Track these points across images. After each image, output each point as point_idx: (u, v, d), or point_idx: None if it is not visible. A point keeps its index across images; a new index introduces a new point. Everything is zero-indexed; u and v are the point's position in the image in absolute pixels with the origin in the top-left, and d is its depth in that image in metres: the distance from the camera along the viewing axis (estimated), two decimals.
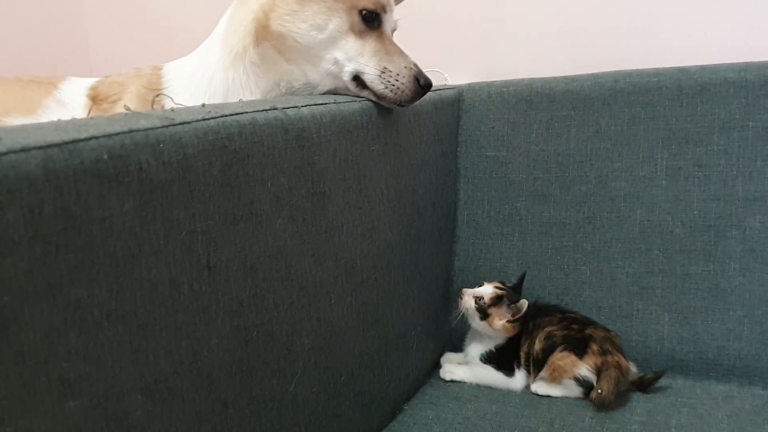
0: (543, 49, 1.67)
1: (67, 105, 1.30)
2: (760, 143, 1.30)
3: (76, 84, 1.34)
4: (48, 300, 0.57)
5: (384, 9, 1.09)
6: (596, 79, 1.43)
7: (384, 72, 1.06)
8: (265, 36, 1.08)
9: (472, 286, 1.35)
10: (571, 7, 1.63)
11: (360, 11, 1.07)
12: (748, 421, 1.14)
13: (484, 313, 1.29)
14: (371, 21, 1.08)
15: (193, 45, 1.25)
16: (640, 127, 1.38)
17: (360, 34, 1.08)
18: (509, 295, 1.31)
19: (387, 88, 1.07)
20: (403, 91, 1.07)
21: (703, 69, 1.36)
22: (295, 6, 1.07)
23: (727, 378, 1.30)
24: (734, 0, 1.49)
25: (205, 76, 1.13)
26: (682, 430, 1.11)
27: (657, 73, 1.39)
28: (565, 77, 1.47)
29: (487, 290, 1.31)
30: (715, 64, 1.36)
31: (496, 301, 1.29)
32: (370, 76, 1.07)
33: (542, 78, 1.50)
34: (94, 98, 1.30)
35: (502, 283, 1.35)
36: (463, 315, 1.32)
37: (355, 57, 1.07)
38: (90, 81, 1.33)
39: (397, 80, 1.06)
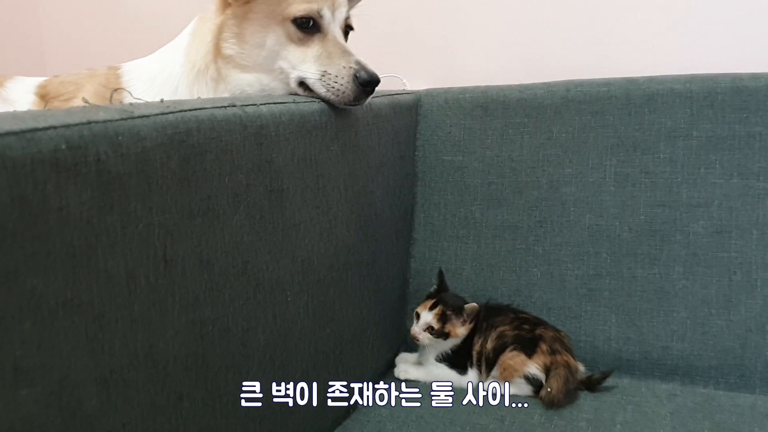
0: (498, 58, 1.72)
1: (14, 102, 1.29)
2: (703, 152, 1.36)
3: (23, 83, 1.34)
4: (3, 288, 0.58)
5: (319, 14, 1.10)
6: (549, 88, 1.48)
7: (324, 75, 1.09)
8: (219, 55, 1.13)
9: (428, 287, 1.41)
10: (525, 19, 1.69)
11: (293, 21, 1.09)
12: (689, 417, 1.18)
13: (443, 335, 1.31)
14: (308, 28, 1.10)
15: (147, 45, 1.27)
16: (590, 135, 1.43)
17: (300, 41, 1.11)
18: (447, 302, 1.33)
19: (329, 91, 1.09)
20: (344, 92, 1.09)
21: (651, 80, 1.41)
22: (236, 29, 1.12)
23: (671, 377, 1.34)
24: (681, 15, 1.56)
25: (168, 84, 1.17)
26: (626, 426, 1.15)
27: (607, 83, 1.44)
28: (519, 85, 1.51)
29: (428, 317, 1.32)
30: (662, 76, 1.42)
31: (443, 318, 1.32)
32: (311, 80, 1.10)
33: (497, 86, 1.54)
34: (44, 96, 1.29)
35: (430, 294, 1.38)
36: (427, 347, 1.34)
37: (297, 64, 1.11)
38: (38, 80, 1.33)
39: (336, 82, 1.08)
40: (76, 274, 0.65)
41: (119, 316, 0.70)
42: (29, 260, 0.60)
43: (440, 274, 1.41)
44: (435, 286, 1.41)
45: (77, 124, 0.65)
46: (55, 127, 0.63)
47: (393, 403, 1.23)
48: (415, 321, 1.34)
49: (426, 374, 1.35)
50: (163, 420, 0.78)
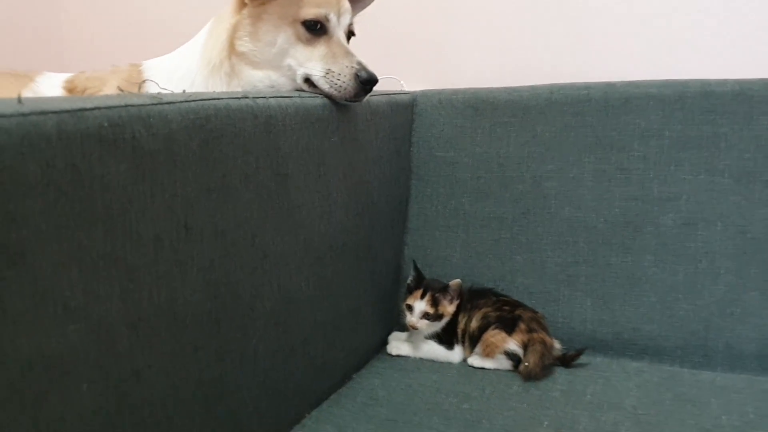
0: (488, 63, 1.84)
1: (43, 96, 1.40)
2: (674, 150, 1.47)
3: (52, 78, 1.44)
4: (56, 238, 0.70)
5: (326, 18, 1.22)
6: (534, 91, 1.59)
7: (328, 73, 1.20)
8: (233, 52, 1.24)
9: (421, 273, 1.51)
10: (513, 27, 1.80)
11: (302, 23, 1.21)
12: (653, 390, 1.28)
13: (439, 317, 1.43)
14: (316, 30, 1.21)
15: (164, 44, 1.38)
16: (570, 134, 1.54)
17: (308, 41, 1.22)
18: (432, 288, 1.44)
19: (332, 87, 1.21)
20: (345, 89, 1.20)
21: (628, 84, 1.52)
22: (250, 28, 1.23)
23: (640, 356, 1.44)
24: (655, 25, 1.68)
25: (185, 78, 1.27)
26: (596, 396, 1.26)
27: (587, 86, 1.55)
28: (507, 88, 1.63)
29: (422, 305, 1.42)
30: (638, 80, 1.53)
31: (434, 302, 1.43)
32: (316, 77, 1.21)
33: (487, 88, 1.65)
34: (71, 90, 1.40)
35: (413, 285, 1.49)
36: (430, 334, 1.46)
37: (304, 62, 1.22)
38: (65, 75, 1.43)
39: (339, 79, 1.20)
40: (113, 233, 0.77)
41: (147, 272, 0.82)
42: (77, 218, 0.72)
43: (415, 264, 1.52)
44: (412, 277, 1.51)
45: (117, 106, 0.77)
46: (99, 108, 0.75)
47: (385, 376, 1.37)
48: (408, 313, 1.44)
49: (416, 350, 1.46)
50: (181, 367, 0.90)
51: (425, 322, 1.42)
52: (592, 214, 1.51)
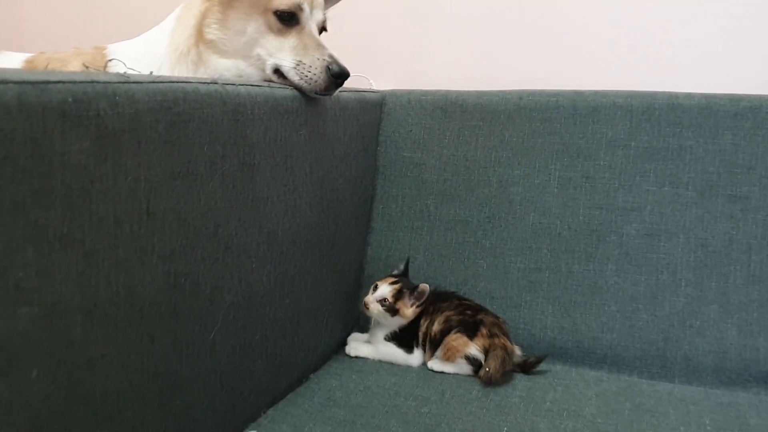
0: (460, 66, 1.84)
1: None
2: (639, 161, 1.48)
3: (11, 57, 1.39)
4: (12, 215, 0.66)
5: (299, 8, 1.19)
6: (503, 96, 1.59)
7: (299, 65, 1.18)
8: (201, 39, 1.21)
9: (382, 276, 1.48)
10: (485, 32, 1.81)
11: (274, 12, 1.18)
12: (612, 399, 1.29)
13: (393, 310, 1.41)
14: (288, 20, 1.19)
15: (126, 29, 1.34)
16: (538, 140, 1.55)
17: (279, 32, 1.19)
18: (405, 284, 1.43)
19: (302, 79, 1.18)
20: (316, 81, 1.18)
21: (596, 93, 1.54)
22: (219, 15, 1.20)
23: (599, 365, 1.45)
24: (625, 36, 1.70)
25: (151, 64, 1.23)
26: (555, 404, 1.26)
27: (556, 93, 1.56)
28: (477, 92, 1.63)
29: (386, 290, 1.41)
30: (606, 90, 1.54)
31: (398, 295, 1.41)
32: (286, 68, 1.19)
33: (457, 90, 1.65)
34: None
35: (393, 275, 1.48)
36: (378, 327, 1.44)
37: (274, 53, 1.20)
38: (25, 55, 1.38)
39: (309, 71, 1.18)
40: (72, 213, 0.73)
41: (105, 257, 0.79)
42: (35, 195, 0.68)
43: (407, 262, 1.51)
44: (399, 270, 1.50)
45: (82, 82, 0.74)
46: (63, 82, 0.71)
47: (343, 377, 1.35)
48: (371, 291, 1.43)
49: (375, 352, 1.44)
50: (136, 357, 0.86)
51: (378, 306, 1.40)
52: (556, 221, 1.52)
